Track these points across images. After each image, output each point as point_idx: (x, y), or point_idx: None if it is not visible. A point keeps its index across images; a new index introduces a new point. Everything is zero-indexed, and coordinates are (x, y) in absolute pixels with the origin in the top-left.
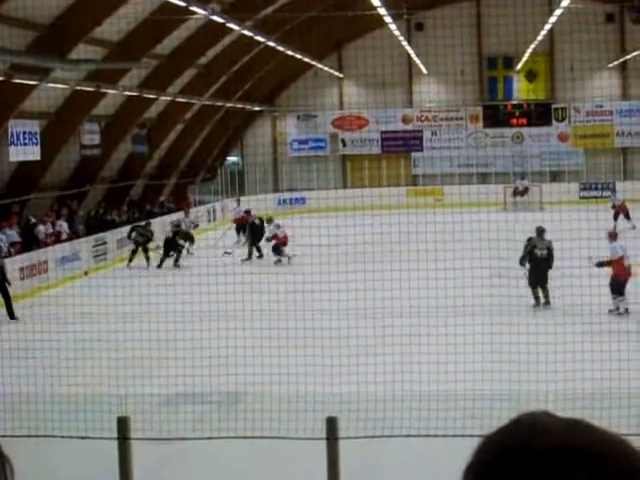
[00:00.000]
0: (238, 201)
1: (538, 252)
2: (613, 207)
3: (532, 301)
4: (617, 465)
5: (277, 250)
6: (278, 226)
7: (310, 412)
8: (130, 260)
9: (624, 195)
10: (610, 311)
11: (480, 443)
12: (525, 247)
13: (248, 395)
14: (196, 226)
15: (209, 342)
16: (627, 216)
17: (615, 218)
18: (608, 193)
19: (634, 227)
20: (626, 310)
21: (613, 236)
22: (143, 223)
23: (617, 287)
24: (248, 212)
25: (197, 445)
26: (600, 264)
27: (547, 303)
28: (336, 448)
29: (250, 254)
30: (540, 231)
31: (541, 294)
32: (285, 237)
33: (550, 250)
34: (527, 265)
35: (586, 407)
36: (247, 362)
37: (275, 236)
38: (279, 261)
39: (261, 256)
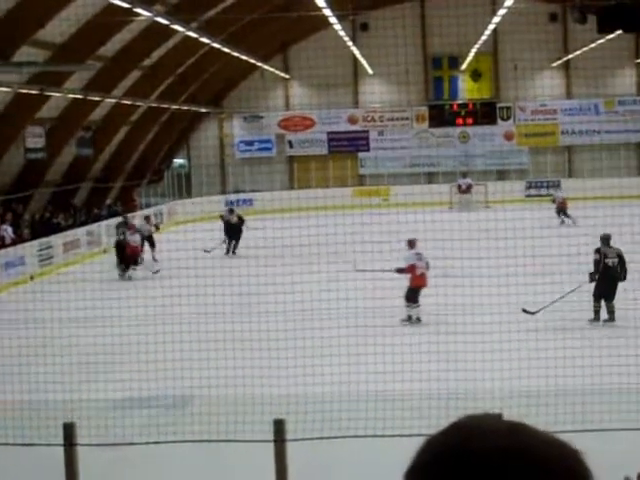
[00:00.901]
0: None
1: (609, 261)
2: (553, 202)
3: (591, 315)
4: (553, 466)
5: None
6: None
7: (258, 414)
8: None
9: (568, 193)
10: (402, 320)
11: (421, 445)
12: (596, 261)
13: (196, 398)
14: (157, 228)
15: (155, 346)
16: (565, 213)
17: (558, 214)
18: (553, 191)
19: (574, 223)
20: (418, 319)
21: (412, 244)
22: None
23: (411, 295)
24: (231, 211)
25: (145, 450)
26: (400, 270)
27: (611, 319)
28: (284, 450)
29: (227, 250)
30: (606, 238)
31: (605, 309)
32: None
33: (621, 258)
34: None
35: (531, 404)
36: (194, 365)
37: None
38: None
39: (227, 252)
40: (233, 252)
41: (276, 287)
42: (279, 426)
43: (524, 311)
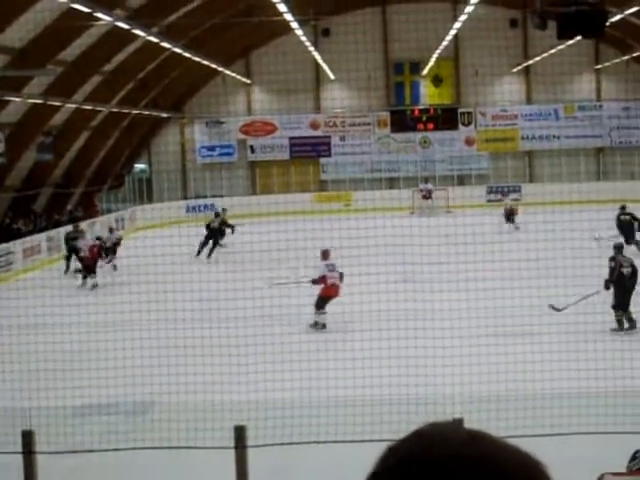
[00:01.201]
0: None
1: (624, 270)
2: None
3: (613, 325)
4: (514, 475)
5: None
6: None
7: (218, 421)
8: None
9: (527, 198)
10: (310, 325)
11: (383, 451)
12: (611, 268)
13: (156, 405)
14: (118, 243)
15: (115, 352)
16: (511, 219)
17: (507, 219)
18: (515, 195)
19: (517, 228)
20: (323, 325)
21: (325, 254)
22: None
23: (320, 303)
24: (217, 215)
25: (105, 457)
26: (314, 281)
27: (632, 327)
28: (245, 456)
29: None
30: (620, 247)
31: (624, 317)
32: None
33: (634, 267)
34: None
35: (491, 409)
36: (154, 372)
37: None
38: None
39: (198, 254)
40: (208, 255)
41: (236, 293)
42: (240, 432)
43: (551, 307)
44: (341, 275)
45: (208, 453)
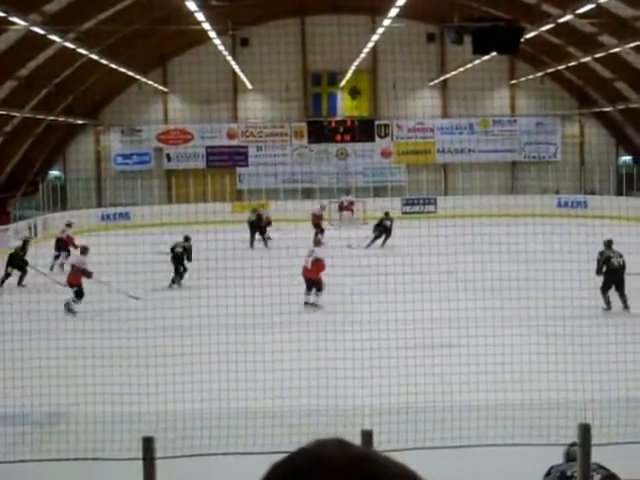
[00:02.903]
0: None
1: (615, 261)
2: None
3: (603, 306)
4: None
5: None
6: None
7: (126, 432)
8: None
9: (447, 211)
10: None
11: (268, 469)
12: (599, 261)
13: (64, 416)
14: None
15: (22, 362)
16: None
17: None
18: (431, 208)
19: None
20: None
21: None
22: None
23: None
24: (254, 210)
25: (12, 468)
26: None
27: (626, 307)
28: (153, 468)
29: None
30: (610, 243)
31: (620, 300)
32: None
33: (623, 258)
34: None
35: (401, 421)
36: (61, 382)
37: None
38: None
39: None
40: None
41: (146, 303)
42: (148, 444)
43: None
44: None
45: (116, 464)
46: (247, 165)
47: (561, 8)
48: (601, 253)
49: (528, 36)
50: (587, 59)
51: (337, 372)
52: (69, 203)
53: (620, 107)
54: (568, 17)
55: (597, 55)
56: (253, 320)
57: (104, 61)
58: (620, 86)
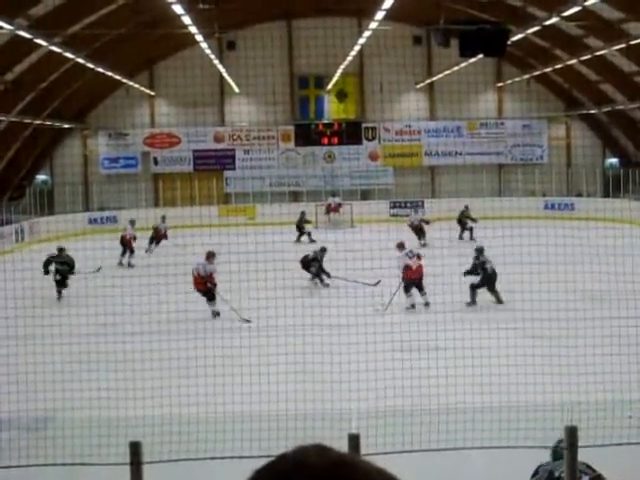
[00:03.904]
0: (163, 218)
1: (489, 266)
2: (410, 225)
3: (468, 300)
4: None
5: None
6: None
7: (113, 437)
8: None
9: (433, 213)
10: (407, 308)
11: (250, 475)
12: (476, 265)
13: (51, 421)
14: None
15: (7, 368)
16: (422, 233)
17: (418, 237)
18: (419, 211)
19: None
20: (426, 304)
21: (401, 246)
22: (56, 252)
23: (408, 286)
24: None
25: (0, 474)
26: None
27: (500, 302)
28: (140, 473)
29: None
30: (482, 250)
31: (493, 297)
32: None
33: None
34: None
35: (389, 424)
36: (48, 387)
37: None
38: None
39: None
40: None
41: (133, 307)
42: (135, 448)
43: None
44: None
45: (103, 469)
46: (234, 168)
47: (547, 11)
48: (477, 258)
49: (514, 39)
50: (573, 61)
51: (324, 376)
52: (56, 207)
53: (606, 109)
54: (554, 20)
55: (583, 57)
56: (240, 324)
57: (90, 65)
58: (606, 88)
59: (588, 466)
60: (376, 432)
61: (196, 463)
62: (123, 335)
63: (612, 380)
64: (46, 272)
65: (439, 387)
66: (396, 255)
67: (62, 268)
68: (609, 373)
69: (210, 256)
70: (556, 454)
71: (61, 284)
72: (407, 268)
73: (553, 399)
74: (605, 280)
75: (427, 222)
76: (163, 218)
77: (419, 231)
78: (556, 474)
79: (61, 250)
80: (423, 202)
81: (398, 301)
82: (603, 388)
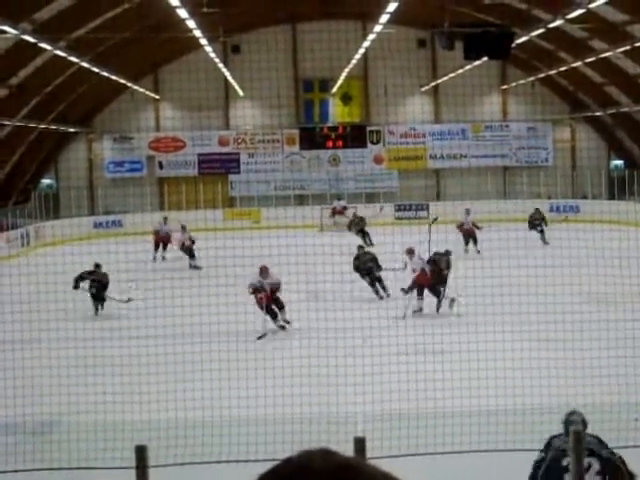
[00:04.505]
0: (165, 219)
1: (445, 272)
2: (460, 229)
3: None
4: None
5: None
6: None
7: (119, 440)
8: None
9: (440, 216)
10: (414, 311)
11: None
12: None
13: (57, 425)
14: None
15: (13, 372)
16: (474, 240)
17: (466, 242)
18: (424, 214)
19: (479, 252)
20: (455, 301)
21: (411, 252)
22: (91, 268)
23: (420, 289)
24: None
25: (6, 478)
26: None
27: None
28: (146, 476)
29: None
30: (448, 252)
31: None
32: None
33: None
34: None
35: (394, 427)
36: (54, 391)
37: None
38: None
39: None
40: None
41: (138, 312)
42: (141, 452)
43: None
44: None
45: (109, 473)
46: (239, 172)
47: (552, 13)
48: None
49: (519, 41)
50: (578, 64)
51: (329, 379)
52: (61, 211)
53: (611, 111)
54: (559, 22)
55: (588, 60)
56: (245, 327)
57: (95, 69)
58: (611, 90)
59: (600, 441)
60: (382, 435)
61: (201, 467)
62: (129, 339)
63: (618, 383)
64: (75, 287)
65: (444, 390)
66: (405, 260)
67: (96, 285)
68: (615, 376)
69: (264, 271)
70: (567, 424)
71: (97, 298)
72: (422, 271)
73: (559, 402)
74: (611, 283)
75: (479, 227)
76: (165, 220)
77: (469, 236)
78: (564, 463)
79: (97, 266)
80: (428, 205)
81: (403, 304)
82: (609, 391)
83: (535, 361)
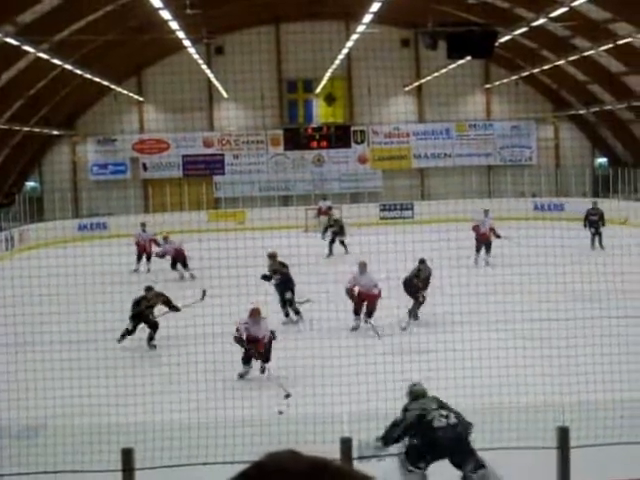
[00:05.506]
0: (143, 225)
1: (422, 274)
2: (476, 231)
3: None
4: None
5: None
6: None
7: (105, 444)
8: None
9: (422, 216)
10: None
11: None
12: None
13: (42, 429)
14: None
15: None
16: (488, 247)
17: (478, 249)
18: (408, 213)
19: (487, 263)
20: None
21: (362, 266)
22: (144, 293)
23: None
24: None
25: None
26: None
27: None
28: (132, 479)
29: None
30: (424, 260)
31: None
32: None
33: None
34: None
35: (371, 428)
36: (39, 395)
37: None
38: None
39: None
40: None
41: (124, 314)
42: (127, 455)
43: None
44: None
45: (96, 477)
46: (224, 173)
47: (535, 12)
48: (418, 270)
49: (502, 40)
50: (561, 62)
51: (314, 380)
52: (46, 214)
53: (594, 109)
54: (542, 21)
55: (571, 58)
56: (230, 329)
57: (79, 71)
58: (594, 89)
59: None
60: (368, 435)
61: (188, 469)
62: (114, 342)
63: (603, 380)
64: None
65: (430, 390)
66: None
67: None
68: (600, 373)
69: (254, 313)
70: (412, 394)
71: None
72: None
73: (545, 400)
74: (595, 280)
75: (498, 236)
76: (143, 226)
77: (484, 242)
78: (429, 417)
79: (149, 290)
80: (413, 204)
81: (387, 304)
82: (594, 388)
83: (521, 359)
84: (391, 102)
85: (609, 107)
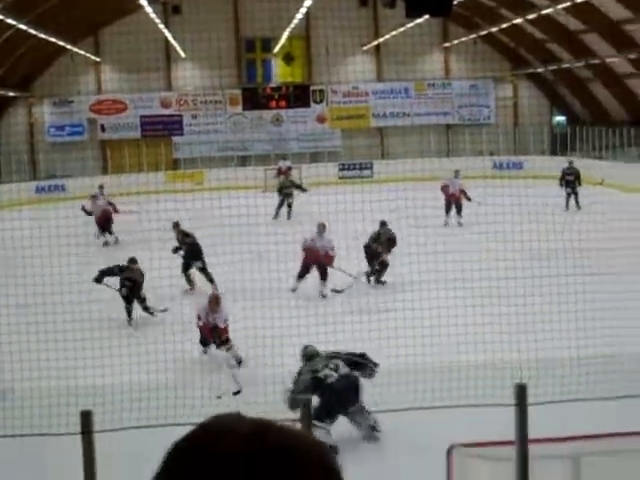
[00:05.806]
0: (101, 187)
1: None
2: (444, 191)
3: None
4: (303, 462)
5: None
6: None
7: (63, 406)
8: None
9: (380, 175)
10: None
11: (169, 448)
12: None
13: (9, 392)
14: None
15: None
16: (459, 208)
17: (447, 210)
18: (368, 172)
19: (460, 224)
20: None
21: (321, 227)
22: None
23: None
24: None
25: None
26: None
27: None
28: (92, 442)
29: None
30: (384, 223)
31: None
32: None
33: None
34: None
35: None
36: (4, 359)
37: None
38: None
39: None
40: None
41: (82, 276)
42: (86, 418)
43: (334, 291)
44: None
45: (56, 440)
46: (182, 134)
47: None
48: (378, 233)
49: None
50: (519, 20)
51: (274, 340)
52: (2, 177)
53: (552, 68)
54: None
55: (529, 16)
56: (178, 292)
57: (34, 31)
58: (552, 47)
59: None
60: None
61: (149, 431)
62: (71, 305)
63: (561, 337)
64: (98, 280)
65: (389, 348)
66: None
67: (129, 285)
68: (557, 330)
69: (213, 302)
70: (305, 357)
71: (130, 300)
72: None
73: (502, 357)
74: (552, 239)
75: (469, 199)
76: (101, 188)
77: (454, 202)
78: (320, 375)
79: (132, 262)
80: (372, 164)
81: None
82: (552, 345)
83: (479, 317)
84: (350, 61)
85: (567, 65)
